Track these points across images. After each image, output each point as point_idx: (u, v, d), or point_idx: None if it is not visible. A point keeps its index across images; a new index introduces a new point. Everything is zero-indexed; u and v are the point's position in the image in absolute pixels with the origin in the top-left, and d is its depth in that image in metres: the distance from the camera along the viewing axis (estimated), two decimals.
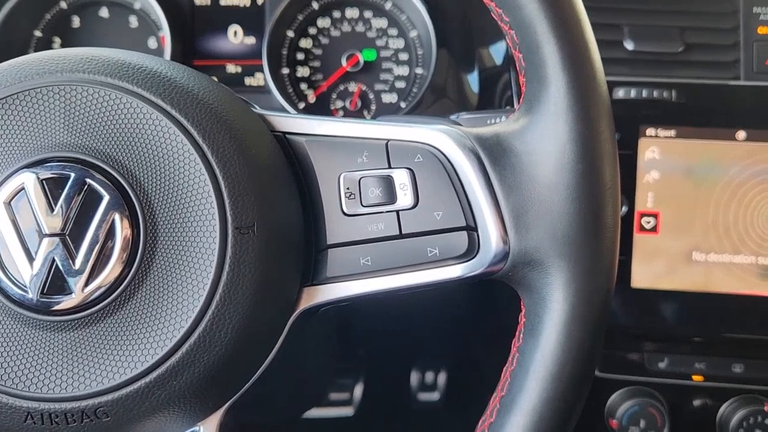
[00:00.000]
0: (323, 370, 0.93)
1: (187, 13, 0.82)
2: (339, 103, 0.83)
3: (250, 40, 0.82)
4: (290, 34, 0.81)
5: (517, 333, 0.40)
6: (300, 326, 0.42)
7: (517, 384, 0.39)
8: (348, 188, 0.41)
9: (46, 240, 0.37)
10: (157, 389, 0.37)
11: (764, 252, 0.67)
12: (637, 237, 0.67)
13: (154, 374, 0.37)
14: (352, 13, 0.82)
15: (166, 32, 0.78)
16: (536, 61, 0.39)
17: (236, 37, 0.82)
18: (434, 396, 0.94)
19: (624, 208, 0.67)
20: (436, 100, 0.80)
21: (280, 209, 0.39)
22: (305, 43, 0.82)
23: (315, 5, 0.81)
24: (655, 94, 0.66)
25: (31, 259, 0.37)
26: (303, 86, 0.82)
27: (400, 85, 0.82)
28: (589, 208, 0.38)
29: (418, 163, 0.41)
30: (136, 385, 0.37)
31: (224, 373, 0.38)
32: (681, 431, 0.69)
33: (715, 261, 0.67)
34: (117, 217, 0.37)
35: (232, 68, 0.82)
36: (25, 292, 0.37)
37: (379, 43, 0.82)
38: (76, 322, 0.37)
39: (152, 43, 0.82)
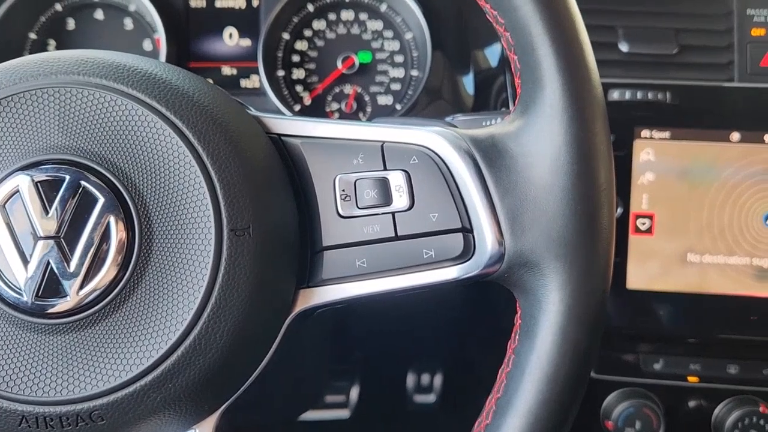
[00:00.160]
0: (319, 372, 0.93)
1: (182, 15, 0.81)
2: (334, 106, 0.83)
3: (246, 43, 0.82)
4: (286, 36, 0.81)
5: (512, 334, 0.40)
6: (296, 328, 0.42)
7: (512, 386, 0.39)
8: (343, 190, 0.41)
9: (40, 243, 0.36)
10: (153, 392, 0.37)
11: (759, 253, 0.67)
12: (633, 238, 0.68)
13: (150, 377, 0.36)
14: (347, 15, 0.82)
15: (161, 34, 0.78)
16: (531, 63, 0.39)
17: (231, 39, 0.82)
18: (430, 398, 0.94)
19: (619, 210, 0.67)
20: (431, 102, 0.80)
21: (276, 211, 0.39)
22: (301, 45, 0.82)
23: (310, 7, 0.81)
24: (650, 95, 0.66)
25: (25, 261, 0.36)
26: (298, 88, 0.82)
27: (396, 87, 0.82)
28: (585, 209, 0.38)
29: (414, 165, 0.41)
30: (131, 388, 0.36)
31: (220, 375, 0.38)
32: None
33: (709, 262, 0.67)
34: (112, 219, 0.37)
35: (227, 70, 0.82)
36: (20, 294, 0.36)
37: (375, 45, 0.82)
38: (71, 325, 0.37)
39: (147, 45, 0.82)
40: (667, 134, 0.67)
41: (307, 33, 0.82)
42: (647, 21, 0.69)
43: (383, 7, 0.81)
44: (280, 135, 0.42)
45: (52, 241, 0.36)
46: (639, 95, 0.66)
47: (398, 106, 0.81)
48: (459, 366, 0.95)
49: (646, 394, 0.69)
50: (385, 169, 0.41)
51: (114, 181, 0.37)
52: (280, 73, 0.81)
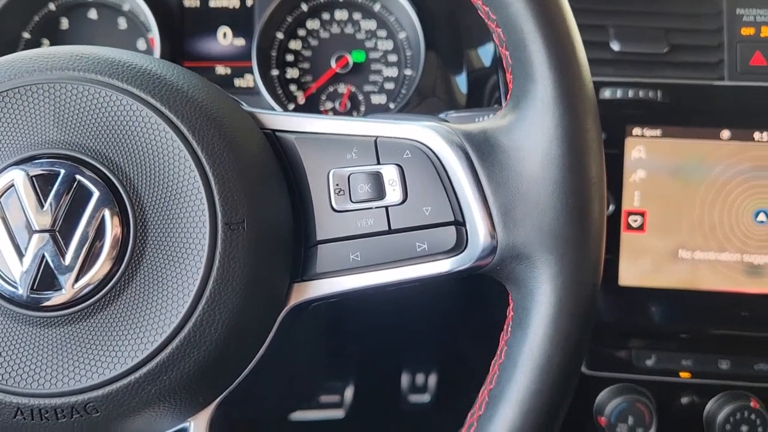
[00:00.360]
0: (313, 367, 0.93)
1: (176, 14, 0.82)
2: (328, 105, 0.83)
3: (240, 42, 0.82)
4: (279, 35, 0.81)
5: (505, 326, 0.41)
6: (290, 322, 0.42)
7: (505, 377, 0.39)
8: (337, 184, 0.41)
9: (36, 236, 0.37)
10: (148, 385, 0.37)
11: (749, 249, 0.67)
12: (624, 235, 0.68)
13: (144, 370, 0.37)
14: (341, 14, 0.82)
15: (155, 34, 0.78)
16: (523, 59, 0.39)
17: (225, 38, 0.82)
18: (425, 397, 0.94)
19: (611, 207, 0.68)
20: (424, 101, 0.81)
21: (270, 205, 0.40)
22: (294, 44, 0.82)
23: (304, 7, 0.81)
24: (641, 94, 0.67)
25: (21, 255, 0.37)
26: (292, 87, 0.83)
27: (389, 86, 0.83)
28: (576, 202, 0.38)
29: (407, 159, 0.41)
30: (126, 381, 0.37)
31: (214, 368, 0.38)
32: (669, 427, 0.69)
33: (701, 259, 0.68)
34: (107, 213, 0.37)
35: (221, 70, 0.82)
36: (15, 288, 0.37)
37: (368, 44, 0.82)
38: (66, 318, 0.37)
39: (141, 44, 0.82)
40: (658, 132, 0.68)
41: (301, 32, 0.82)
42: (638, 20, 0.70)
43: (377, 7, 0.82)
44: (274, 130, 0.43)
45: (47, 235, 0.37)
46: (630, 94, 0.67)
47: (392, 105, 0.82)
48: (452, 359, 0.95)
49: (638, 390, 0.69)
50: (378, 163, 0.41)
51: (109, 176, 0.37)
52: (274, 72, 0.82)
